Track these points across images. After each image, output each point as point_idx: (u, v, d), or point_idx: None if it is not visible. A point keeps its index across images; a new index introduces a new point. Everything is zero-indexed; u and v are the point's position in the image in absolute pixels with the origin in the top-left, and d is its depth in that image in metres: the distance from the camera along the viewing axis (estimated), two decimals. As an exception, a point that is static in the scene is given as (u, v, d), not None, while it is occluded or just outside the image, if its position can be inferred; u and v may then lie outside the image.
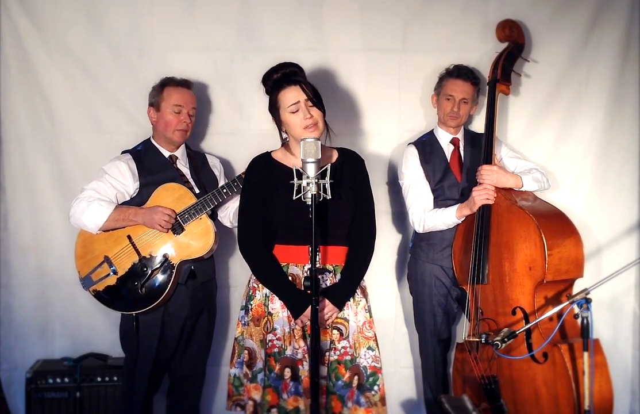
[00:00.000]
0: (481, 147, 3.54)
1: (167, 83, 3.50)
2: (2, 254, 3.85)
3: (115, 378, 3.68)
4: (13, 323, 3.87)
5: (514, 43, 3.69)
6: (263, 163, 3.07)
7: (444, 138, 3.67)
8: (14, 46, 3.75)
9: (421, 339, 3.71)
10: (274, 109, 3.02)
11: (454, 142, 3.66)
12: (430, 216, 3.54)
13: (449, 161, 3.63)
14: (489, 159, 3.47)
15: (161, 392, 3.66)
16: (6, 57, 3.76)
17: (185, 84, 3.52)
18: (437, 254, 3.60)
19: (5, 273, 3.86)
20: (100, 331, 3.84)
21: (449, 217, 3.51)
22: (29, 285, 3.86)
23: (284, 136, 3.08)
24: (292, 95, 2.95)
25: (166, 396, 3.65)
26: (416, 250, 3.68)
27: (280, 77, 3.00)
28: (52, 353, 3.88)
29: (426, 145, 3.66)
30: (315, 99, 2.97)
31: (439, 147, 3.65)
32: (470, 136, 3.71)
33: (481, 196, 3.40)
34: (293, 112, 2.95)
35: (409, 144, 3.69)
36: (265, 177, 3.01)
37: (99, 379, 3.69)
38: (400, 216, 3.89)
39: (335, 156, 3.07)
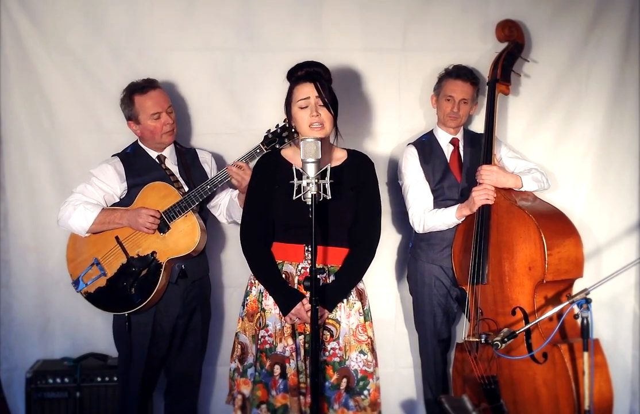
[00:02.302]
0: (481, 147, 3.54)
1: (134, 92, 3.46)
2: (2, 254, 3.85)
3: (115, 378, 3.67)
4: (13, 323, 3.87)
5: (514, 43, 3.69)
6: (270, 160, 3.09)
7: (444, 138, 3.67)
8: (14, 46, 3.75)
9: (421, 339, 3.71)
10: (287, 103, 3.02)
11: (454, 142, 3.66)
12: (430, 216, 3.54)
13: (448, 161, 3.63)
14: (488, 159, 3.47)
15: (159, 390, 3.66)
16: (6, 57, 3.76)
17: (151, 85, 3.47)
18: (436, 254, 3.59)
19: (5, 273, 3.86)
20: (100, 331, 3.83)
21: (449, 217, 3.51)
22: (29, 285, 3.86)
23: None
24: (304, 91, 2.95)
25: (164, 397, 3.66)
26: (416, 250, 3.68)
27: (302, 74, 2.99)
28: (52, 353, 3.88)
29: (426, 145, 3.66)
30: (329, 101, 2.96)
31: (438, 147, 3.65)
32: (469, 136, 3.71)
33: (481, 196, 3.40)
34: (302, 108, 2.95)
35: (409, 144, 3.69)
36: (270, 174, 3.01)
37: (99, 379, 3.69)
38: (400, 216, 3.88)
39: (344, 157, 3.07)
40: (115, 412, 3.64)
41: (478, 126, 3.77)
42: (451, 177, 3.61)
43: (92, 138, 3.81)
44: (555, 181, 3.80)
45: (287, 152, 3.09)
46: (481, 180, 3.43)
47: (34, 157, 3.81)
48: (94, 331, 3.86)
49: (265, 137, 3.40)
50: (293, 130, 3.05)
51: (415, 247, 3.70)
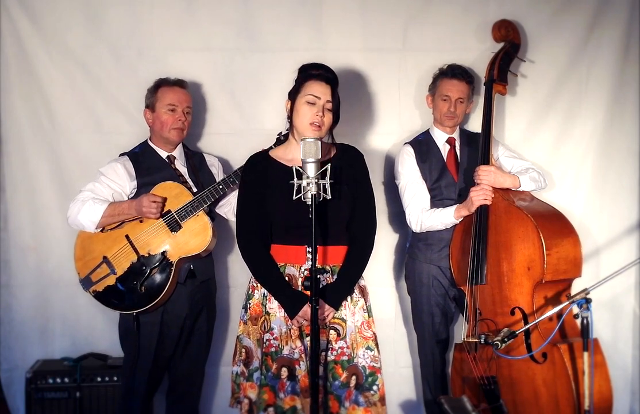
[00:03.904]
0: (477, 147, 3.54)
1: (162, 84, 3.50)
2: (2, 254, 3.85)
3: (115, 378, 3.67)
4: (13, 322, 3.87)
5: (510, 43, 3.69)
6: (259, 161, 3.07)
7: (440, 137, 3.67)
8: (14, 46, 3.75)
9: (419, 340, 3.70)
10: (294, 93, 2.99)
11: (450, 141, 3.66)
12: (427, 216, 3.54)
13: (445, 160, 3.63)
14: (486, 160, 3.47)
15: (161, 392, 3.66)
16: (6, 57, 3.76)
17: (179, 83, 3.52)
18: (435, 254, 3.59)
19: (5, 273, 3.85)
20: (100, 331, 3.84)
21: (447, 217, 3.50)
22: (29, 285, 3.86)
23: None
24: (317, 89, 2.94)
25: (165, 397, 3.65)
26: (414, 250, 3.68)
27: (318, 74, 2.98)
28: (52, 353, 3.88)
29: (422, 144, 3.66)
30: (336, 109, 2.97)
31: (435, 146, 3.65)
32: (466, 135, 3.71)
33: (479, 197, 3.40)
34: (309, 103, 2.93)
35: (405, 143, 3.69)
36: (262, 175, 3.00)
37: (99, 379, 3.69)
38: (397, 216, 3.88)
39: (333, 152, 3.06)
40: (117, 412, 3.64)
41: (475, 125, 3.77)
42: (448, 176, 3.60)
43: (92, 138, 3.81)
44: (553, 180, 3.81)
45: (277, 153, 3.08)
46: (479, 180, 3.43)
47: (34, 157, 3.81)
48: (94, 331, 3.86)
49: (278, 139, 3.38)
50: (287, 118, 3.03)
51: (413, 247, 3.69)
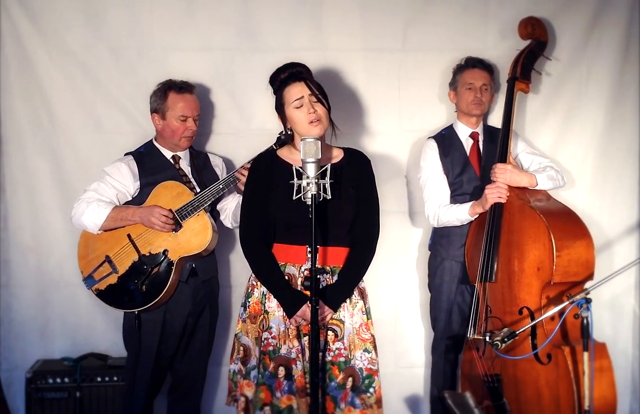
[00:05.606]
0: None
1: (170, 88, 3.48)
2: (2, 254, 3.84)
3: (115, 378, 3.67)
4: (13, 323, 3.86)
5: (536, 41, 3.69)
6: (266, 160, 3.08)
7: (463, 132, 3.67)
8: (14, 46, 3.75)
9: (436, 338, 3.70)
10: (280, 106, 3.02)
11: (473, 136, 3.67)
12: (444, 211, 3.54)
13: (468, 154, 3.63)
14: (503, 158, 3.46)
15: (162, 391, 3.65)
16: (6, 57, 3.75)
17: (188, 88, 3.50)
18: (457, 250, 3.59)
19: (5, 273, 3.85)
20: (100, 331, 3.84)
21: (462, 213, 3.50)
22: (29, 285, 3.85)
23: (283, 132, 3.09)
24: (296, 91, 2.96)
25: (167, 395, 3.65)
26: (436, 247, 3.68)
27: (287, 76, 3.00)
28: (52, 353, 3.87)
29: (445, 138, 3.66)
30: (320, 95, 2.97)
31: (458, 141, 3.65)
32: (489, 131, 3.71)
33: (493, 195, 3.39)
34: (297, 108, 2.95)
35: (429, 138, 3.70)
36: (267, 174, 3.01)
37: (99, 379, 3.69)
38: (399, 215, 3.88)
39: (340, 155, 3.06)
40: (117, 412, 3.64)
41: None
42: (471, 170, 3.60)
43: (92, 138, 3.81)
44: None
45: (283, 152, 3.08)
46: (495, 178, 3.42)
47: (34, 157, 3.80)
48: (94, 331, 3.86)
49: (278, 138, 3.38)
50: (290, 132, 3.04)
51: (435, 244, 3.69)
